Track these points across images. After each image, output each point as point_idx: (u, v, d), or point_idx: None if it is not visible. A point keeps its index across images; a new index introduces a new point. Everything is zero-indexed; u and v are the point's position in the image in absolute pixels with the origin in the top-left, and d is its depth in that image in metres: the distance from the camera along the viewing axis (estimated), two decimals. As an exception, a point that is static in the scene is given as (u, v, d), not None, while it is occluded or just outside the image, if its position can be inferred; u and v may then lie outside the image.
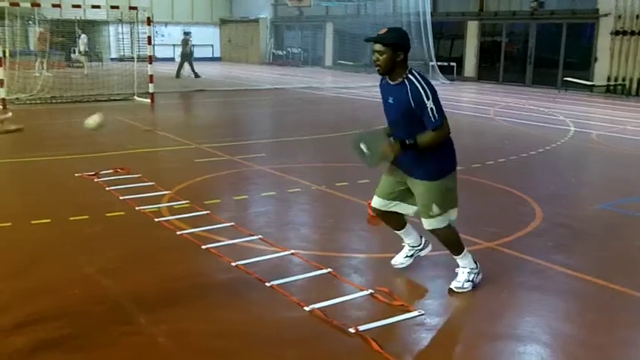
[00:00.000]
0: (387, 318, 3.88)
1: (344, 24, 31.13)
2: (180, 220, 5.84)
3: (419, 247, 4.68)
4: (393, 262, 4.68)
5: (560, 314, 4.13)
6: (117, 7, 16.39)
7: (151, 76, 15.61)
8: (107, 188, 6.94)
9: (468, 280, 4.34)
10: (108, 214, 6.00)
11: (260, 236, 5.41)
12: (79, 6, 15.99)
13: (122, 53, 31.90)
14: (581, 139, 11.35)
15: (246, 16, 35.62)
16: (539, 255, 5.09)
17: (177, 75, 23.76)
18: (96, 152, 9.01)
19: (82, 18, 26.01)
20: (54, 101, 15.41)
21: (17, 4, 14.85)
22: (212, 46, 36.46)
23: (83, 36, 24.86)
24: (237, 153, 9.19)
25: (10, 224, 5.67)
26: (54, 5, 15.66)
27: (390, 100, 4.06)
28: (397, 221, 4.55)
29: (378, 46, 3.95)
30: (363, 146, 4.11)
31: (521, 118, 14.07)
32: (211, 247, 5.08)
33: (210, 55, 36.03)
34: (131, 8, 15.99)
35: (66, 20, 23.96)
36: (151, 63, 15.59)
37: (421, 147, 3.99)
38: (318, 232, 5.77)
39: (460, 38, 26.39)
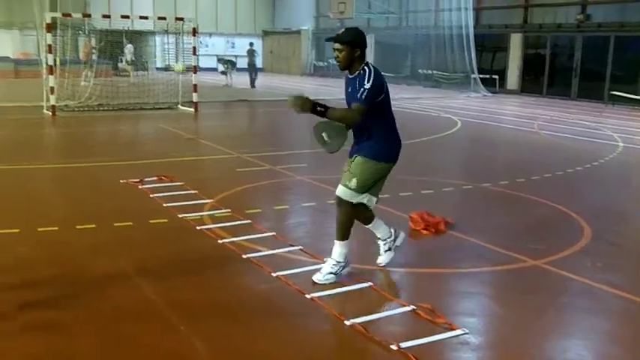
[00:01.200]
0: (429, 335, 3.80)
1: (385, 35, 31.13)
2: (222, 228, 5.87)
3: (392, 238, 4.91)
4: (378, 261, 4.93)
5: (610, 337, 3.99)
6: (164, 18, 16.68)
7: (195, 85, 15.86)
8: (151, 195, 7.04)
9: (331, 273, 4.60)
10: (151, 221, 6.08)
11: (300, 247, 5.39)
12: (127, 16, 16.40)
13: (167, 63, 32.54)
14: (631, 155, 11.04)
15: (289, 27, 35.96)
16: (587, 274, 4.94)
17: (253, 85, 24.65)
18: (141, 159, 9.18)
19: (130, 28, 26.64)
20: (101, 109, 15.80)
21: (69, 15, 15.30)
22: (254, 56, 36.85)
23: (129, 45, 25.45)
24: (279, 163, 9.23)
25: (56, 228, 5.80)
26: (104, 16, 16.13)
27: (349, 90, 4.45)
28: (365, 214, 4.76)
29: (337, 45, 4.36)
30: (324, 134, 4.54)
31: (566, 132, 13.79)
32: (252, 257, 5.08)
33: (253, 66, 36.40)
34: (177, 19, 16.28)
35: (114, 30, 24.57)
36: (195, 73, 15.84)
37: (329, 115, 4.32)
38: (358, 245, 5.71)
39: (503, 50, 26.09)
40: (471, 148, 12.14)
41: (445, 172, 9.27)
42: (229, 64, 26.08)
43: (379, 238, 4.91)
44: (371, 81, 4.29)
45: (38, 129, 13.00)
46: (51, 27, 14.15)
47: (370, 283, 4.59)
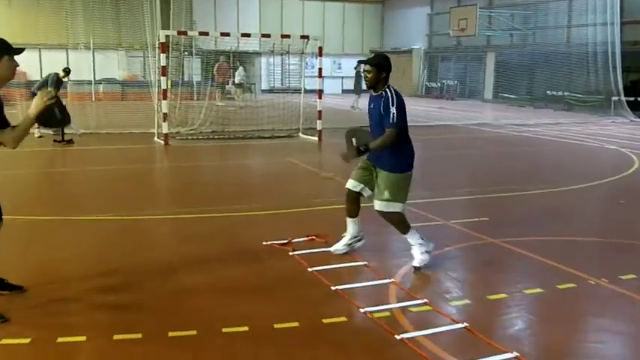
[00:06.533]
0: None
1: (508, 54, 28.51)
2: (431, 338, 3.88)
3: (357, 239, 5.56)
4: (332, 248, 5.54)
5: None
6: (287, 36, 15.12)
7: (320, 111, 14.07)
8: (310, 269, 5.14)
9: (424, 253, 5.18)
10: (324, 320, 4.15)
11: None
12: (248, 35, 14.92)
13: (272, 85, 31.44)
14: None
15: (398, 47, 33.96)
16: None
17: None
18: (278, 208, 7.36)
19: (236, 49, 25.56)
20: (215, 137, 14.33)
21: (184, 33, 13.99)
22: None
23: (241, 68, 24.32)
24: (449, 215, 7.16)
25: (194, 332, 3.93)
26: (222, 34, 14.76)
27: (372, 106, 5.14)
28: (356, 209, 5.46)
29: (367, 67, 5.05)
30: (354, 140, 5.25)
31: None
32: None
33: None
34: (302, 37, 14.68)
35: (219, 51, 23.53)
36: (320, 98, 14.08)
37: (372, 149, 5.02)
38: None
39: (649, 70, 22.95)
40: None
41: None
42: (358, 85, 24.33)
43: (349, 233, 5.52)
44: (395, 104, 4.92)
45: (150, 163, 11.56)
46: (165, 47, 12.78)
47: None
